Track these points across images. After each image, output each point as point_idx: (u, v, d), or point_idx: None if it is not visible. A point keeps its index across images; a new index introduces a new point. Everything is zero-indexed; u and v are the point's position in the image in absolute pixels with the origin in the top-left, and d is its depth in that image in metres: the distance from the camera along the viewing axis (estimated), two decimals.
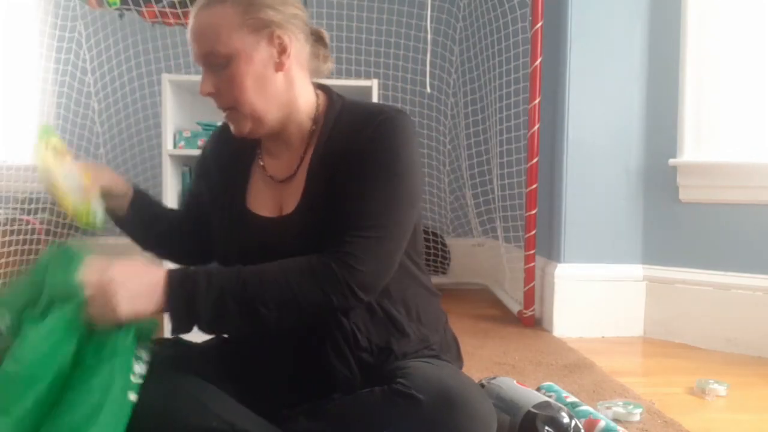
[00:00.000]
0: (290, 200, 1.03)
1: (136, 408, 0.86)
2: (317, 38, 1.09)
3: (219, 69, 0.97)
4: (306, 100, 1.05)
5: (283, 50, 0.99)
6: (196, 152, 2.32)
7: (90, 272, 0.86)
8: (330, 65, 1.11)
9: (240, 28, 0.96)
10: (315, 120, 1.05)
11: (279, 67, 1.00)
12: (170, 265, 1.08)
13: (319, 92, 1.08)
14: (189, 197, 1.22)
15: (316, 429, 0.95)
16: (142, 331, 0.90)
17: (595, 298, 2.32)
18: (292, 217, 1.02)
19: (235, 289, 0.90)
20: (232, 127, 1.03)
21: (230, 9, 0.96)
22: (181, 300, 0.89)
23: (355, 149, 0.98)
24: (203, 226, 1.13)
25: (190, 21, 0.99)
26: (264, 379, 1.05)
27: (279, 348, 1.02)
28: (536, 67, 2.37)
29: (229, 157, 1.12)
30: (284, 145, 1.07)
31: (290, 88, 1.02)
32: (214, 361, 1.06)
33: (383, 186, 0.96)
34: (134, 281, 0.87)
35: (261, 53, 0.98)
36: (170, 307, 0.89)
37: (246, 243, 1.05)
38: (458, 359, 1.17)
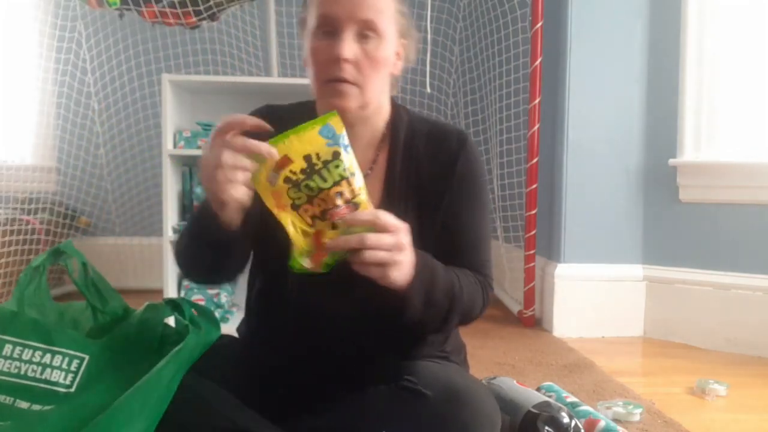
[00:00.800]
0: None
1: None
2: None
3: (366, 41, 0.95)
4: (385, 107, 1.07)
5: (399, 56, 1.03)
6: (197, 152, 2.32)
7: (390, 218, 0.85)
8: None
9: (394, 17, 0.99)
10: (387, 126, 1.07)
11: (394, 68, 1.03)
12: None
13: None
14: None
15: (321, 426, 0.96)
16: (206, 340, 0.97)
17: (595, 298, 2.32)
18: None
19: (453, 289, 0.96)
20: (338, 100, 0.96)
21: None
22: (423, 281, 0.91)
23: (454, 170, 1.04)
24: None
25: None
26: (283, 380, 1.06)
27: (307, 352, 1.03)
28: (536, 67, 2.37)
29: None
30: (358, 143, 1.00)
31: (384, 90, 1.04)
32: (233, 358, 1.07)
33: (484, 214, 1.09)
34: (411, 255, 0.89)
35: (393, 48, 1.00)
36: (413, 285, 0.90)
37: None
38: (465, 363, 1.18)
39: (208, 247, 0.94)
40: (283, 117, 1.01)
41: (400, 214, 0.92)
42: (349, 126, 0.95)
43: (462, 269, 1.01)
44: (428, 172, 1.04)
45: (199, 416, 0.92)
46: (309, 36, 0.98)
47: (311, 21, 0.97)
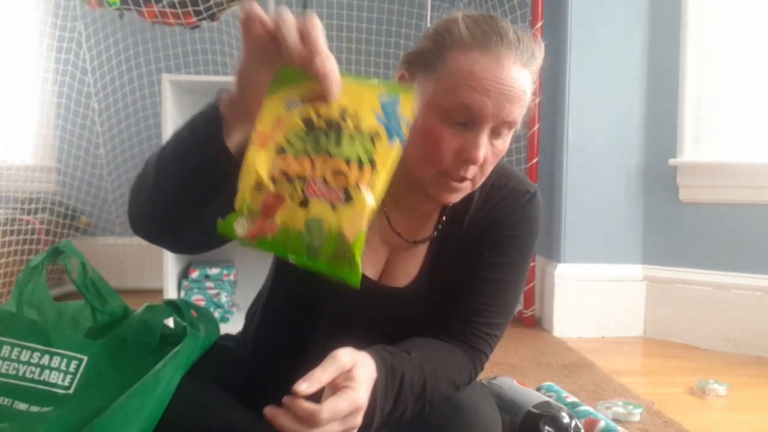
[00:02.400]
0: (404, 265, 0.94)
1: None
2: None
3: (498, 138, 0.83)
4: None
5: None
6: None
7: (340, 407, 0.71)
8: None
9: (527, 102, 0.84)
10: None
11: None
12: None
13: None
14: None
15: None
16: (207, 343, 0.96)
17: (595, 298, 2.32)
18: (406, 293, 0.93)
19: (417, 389, 0.83)
20: (448, 196, 0.86)
21: (533, 79, 0.84)
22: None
23: (503, 229, 0.92)
24: None
25: (498, 69, 0.79)
26: (282, 383, 1.05)
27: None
28: None
29: None
30: (424, 203, 0.93)
31: None
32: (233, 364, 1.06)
33: (518, 279, 0.94)
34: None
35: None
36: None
37: (340, 302, 0.92)
38: None
39: (191, 174, 0.71)
40: None
41: (435, 294, 0.90)
42: (415, 193, 0.88)
43: (446, 346, 0.90)
44: (491, 225, 0.92)
45: (198, 417, 0.91)
46: (431, 109, 0.81)
47: (441, 96, 0.81)
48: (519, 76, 0.80)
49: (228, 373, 1.02)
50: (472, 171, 0.83)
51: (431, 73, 0.83)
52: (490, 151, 0.82)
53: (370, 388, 0.74)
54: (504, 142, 0.84)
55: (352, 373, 0.72)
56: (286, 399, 0.70)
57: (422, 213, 0.94)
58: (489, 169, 0.85)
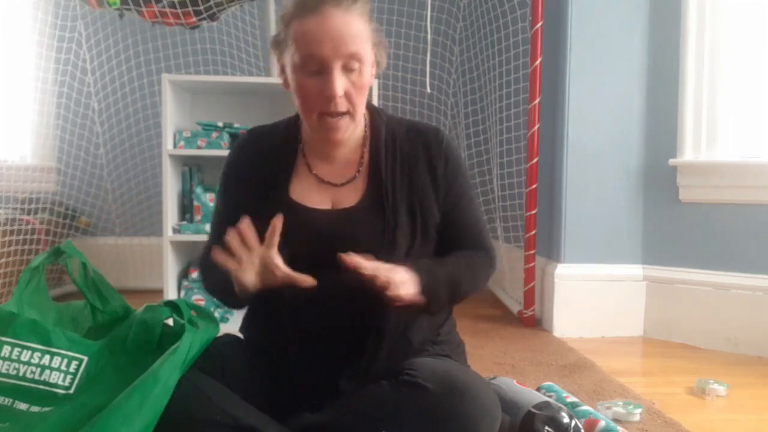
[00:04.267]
0: (348, 196, 1.11)
1: None
2: None
3: (351, 72, 1.02)
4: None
5: (373, 64, 1.08)
6: (196, 152, 2.32)
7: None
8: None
9: (369, 37, 1.05)
10: (366, 128, 1.15)
11: (370, 79, 1.08)
12: None
13: None
14: (233, 217, 1.02)
15: (322, 423, 0.96)
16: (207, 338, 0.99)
17: (595, 298, 2.32)
18: (356, 209, 1.09)
19: (457, 276, 1.09)
20: (333, 134, 1.05)
21: (364, 17, 1.04)
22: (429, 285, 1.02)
23: (447, 165, 1.12)
24: None
25: (322, 21, 1.00)
26: (284, 377, 1.07)
27: (317, 348, 1.06)
28: (536, 67, 2.37)
29: (263, 163, 1.14)
30: (343, 150, 1.13)
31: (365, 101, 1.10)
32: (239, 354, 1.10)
33: (474, 198, 1.19)
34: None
35: (371, 64, 1.07)
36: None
37: (301, 233, 1.07)
38: (464, 361, 1.20)
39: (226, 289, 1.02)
40: (266, 143, 1.15)
41: (388, 210, 1.06)
42: (331, 146, 1.11)
43: (463, 251, 1.13)
44: (417, 168, 1.10)
45: (203, 413, 0.92)
46: (293, 71, 1.03)
47: (294, 57, 1.02)
48: (343, 20, 1.00)
49: (231, 369, 1.03)
50: (342, 105, 1.02)
51: (286, 46, 1.04)
52: (349, 84, 1.02)
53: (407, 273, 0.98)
54: (360, 75, 1.03)
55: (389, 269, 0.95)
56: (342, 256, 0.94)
57: (343, 161, 1.13)
58: (358, 100, 1.04)
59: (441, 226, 1.12)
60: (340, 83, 1.00)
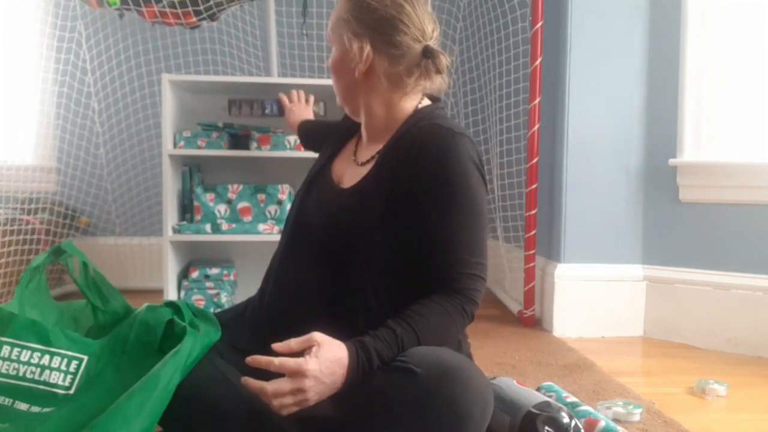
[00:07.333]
0: (356, 177, 1.16)
1: None
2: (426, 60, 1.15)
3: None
4: (399, 108, 1.16)
5: (364, 58, 1.13)
6: (197, 152, 2.32)
7: (288, 365, 0.90)
8: (436, 84, 1.19)
9: (348, 26, 1.15)
10: (400, 125, 1.16)
11: (348, 70, 1.16)
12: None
13: (424, 102, 1.20)
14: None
15: (317, 411, 0.96)
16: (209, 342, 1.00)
17: (595, 298, 2.32)
18: (348, 190, 1.15)
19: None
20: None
21: (351, 3, 1.15)
22: (356, 383, 0.96)
23: (416, 170, 1.06)
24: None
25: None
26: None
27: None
28: (536, 67, 2.37)
29: (338, 132, 1.33)
30: (374, 136, 1.20)
31: (365, 93, 1.17)
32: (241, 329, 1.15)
33: (460, 217, 1.05)
34: (327, 379, 0.92)
35: (345, 53, 1.16)
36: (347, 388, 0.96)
37: (309, 196, 1.21)
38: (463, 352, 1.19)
39: None
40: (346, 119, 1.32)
41: (376, 204, 1.07)
42: (366, 129, 1.22)
43: (425, 302, 1.02)
44: (401, 163, 1.08)
45: (213, 396, 0.96)
46: None
47: None
48: (340, 3, 1.15)
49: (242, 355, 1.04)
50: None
51: None
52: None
53: (323, 366, 0.91)
54: (332, 58, 1.17)
55: (313, 349, 0.92)
56: (249, 359, 0.91)
57: (372, 143, 1.20)
58: (333, 79, 1.19)
59: (409, 234, 1.05)
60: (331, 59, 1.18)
